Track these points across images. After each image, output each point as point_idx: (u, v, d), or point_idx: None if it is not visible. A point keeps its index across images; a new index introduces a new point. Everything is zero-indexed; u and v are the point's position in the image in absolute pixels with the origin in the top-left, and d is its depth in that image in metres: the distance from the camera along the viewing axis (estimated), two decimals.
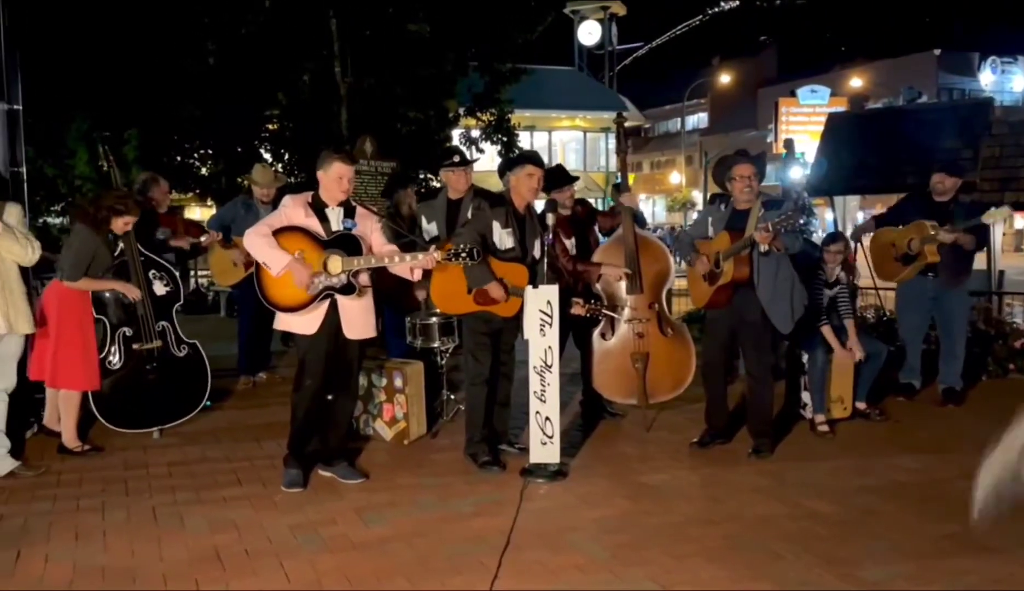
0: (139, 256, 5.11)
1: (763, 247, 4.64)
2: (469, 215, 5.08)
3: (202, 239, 6.19)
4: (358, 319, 4.33)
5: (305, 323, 4.25)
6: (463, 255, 4.24)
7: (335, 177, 4.24)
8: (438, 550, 3.58)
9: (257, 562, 3.47)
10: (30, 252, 4.42)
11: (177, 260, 6.23)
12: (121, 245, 5.07)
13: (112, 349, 5.08)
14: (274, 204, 6.47)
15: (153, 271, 5.23)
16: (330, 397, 4.50)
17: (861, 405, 5.73)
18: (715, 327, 5.09)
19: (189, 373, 5.39)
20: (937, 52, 39.70)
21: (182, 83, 11.15)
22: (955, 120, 9.59)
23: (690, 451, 5.06)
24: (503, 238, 4.64)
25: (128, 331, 5.12)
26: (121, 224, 4.95)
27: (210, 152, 12.53)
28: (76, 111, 10.71)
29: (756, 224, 4.67)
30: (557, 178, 5.51)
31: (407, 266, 4.32)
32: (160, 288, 5.24)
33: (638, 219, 5.58)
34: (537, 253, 4.70)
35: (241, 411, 6.01)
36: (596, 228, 5.76)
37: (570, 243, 5.50)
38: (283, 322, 4.33)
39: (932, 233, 5.82)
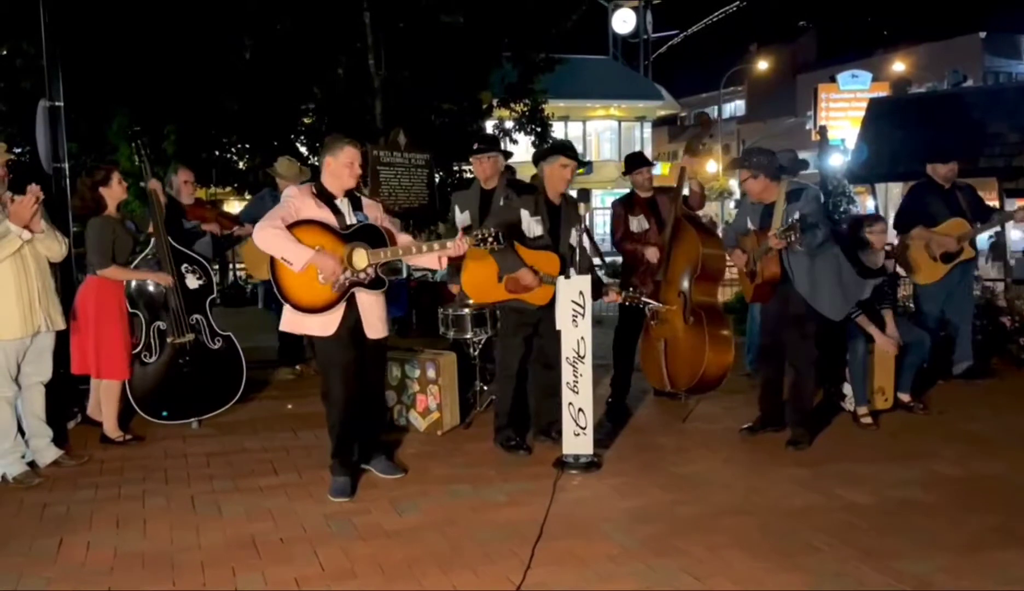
0: (170, 250, 5.16)
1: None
2: (501, 204, 5.10)
3: (235, 230, 6.21)
4: (376, 317, 4.14)
5: (321, 324, 3.99)
6: (489, 239, 4.15)
7: (346, 162, 4.01)
8: (471, 539, 3.59)
9: (292, 549, 3.51)
10: (64, 248, 4.52)
11: (215, 253, 6.31)
12: (152, 240, 5.14)
13: (147, 343, 5.15)
14: None
15: (185, 265, 5.26)
16: (363, 396, 4.27)
17: (904, 396, 5.60)
18: (765, 317, 5.14)
19: (224, 365, 5.42)
20: (983, 35, 38.60)
21: (220, 78, 11.28)
22: (1001, 104, 9.34)
23: (740, 437, 5.05)
24: (532, 226, 4.62)
25: (162, 325, 5.18)
26: (117, 187, 4.93)
27: (247, 146, 12.67)
28: (118, 107, 10.91)
29: (781, 217, 4.68)
30: (635, 161, 5.87)
31: (434, 255, 4.20)
32: (193, 281, 5.28)
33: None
34: (574, 242, 4.68)
35: (278, 402, 6.08)
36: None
37: (636, 221, 5.69)
38: (296, 324, 4.04)
39: (968, 230, 6.02)
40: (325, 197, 4.07)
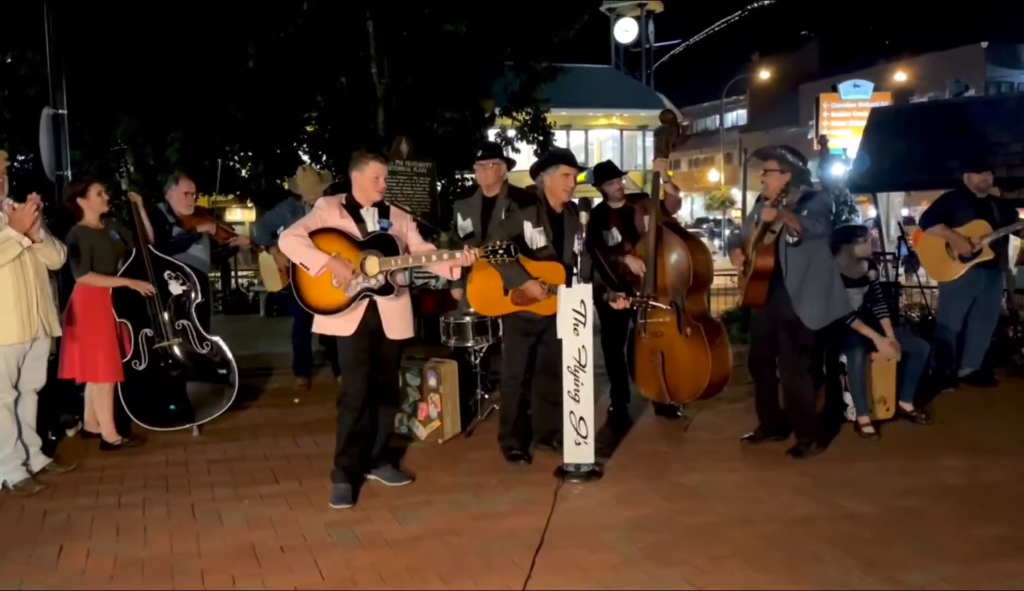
0: (151, 259, 5.16)
1: (790, 238, 4.59)
2: (503, 216, 5.08)
3: (231, 240, 6.18)
4: (398, 319, 4.27)
5: (342, 324, 4.19)
6: (500, 252, 4.20)
7: (372, 177, 4.21)
8: (472, 548, 3.58)
9: (292, 558, 3.50)
10: (62, 256, 4.55)
11: (215, 261, 6.30)
12: (134, 249, 5.14)
13: (136, 349, 5.15)
14: None
15: (168, 271, 5.29)
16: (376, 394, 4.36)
17: (907, 406, 5.58)
18: (757, 324, 5.11)
19: (212, 370, 5.41)
20: (984, 44, 38.64)
21: (224, 86, 11.29)
22: (1003, 113, 9.35)
23: (742, 446, 5.03)
24: (534, 237, 4.63)
25: (149, 332, 5.20)
26: (96, 198, 4.98)
27: (250, 154, 12.68)
28: (122, 114, 10.91)
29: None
30: (605, 172, 5.74)
31: (446, 265, 4.31)
32: (176, 287, 5.29)
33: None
34: (577, 250, 4.66)
35: (279, 410, 6.08)
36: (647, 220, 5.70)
37: (609, 234, 5.58)
38: (321, 325, 4.30)
39: (987, 232, 6.13)
40: (351, 207, 4.29)
